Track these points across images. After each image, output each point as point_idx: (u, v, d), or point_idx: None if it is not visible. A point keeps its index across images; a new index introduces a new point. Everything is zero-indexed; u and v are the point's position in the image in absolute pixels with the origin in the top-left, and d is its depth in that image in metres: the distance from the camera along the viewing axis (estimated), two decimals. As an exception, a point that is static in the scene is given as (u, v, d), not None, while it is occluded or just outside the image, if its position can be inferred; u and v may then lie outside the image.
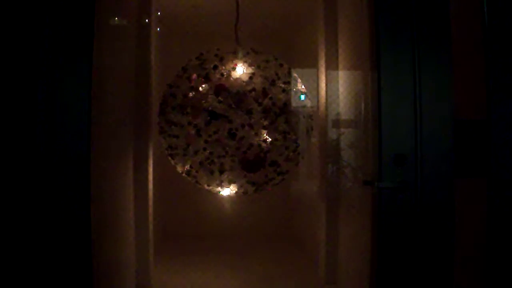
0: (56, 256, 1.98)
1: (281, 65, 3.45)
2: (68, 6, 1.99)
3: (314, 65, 4.64)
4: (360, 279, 3.13)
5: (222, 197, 3.64)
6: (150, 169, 4.17)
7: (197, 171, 3.30)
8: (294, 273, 4.73)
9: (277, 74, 3.37)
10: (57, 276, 1.98)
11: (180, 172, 3.41)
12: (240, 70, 3.31)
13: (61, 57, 1.97)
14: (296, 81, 3.50)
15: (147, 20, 4.04)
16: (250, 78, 3.29)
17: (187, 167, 3.33)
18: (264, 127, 3.24)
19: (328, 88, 4.24)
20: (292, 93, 3.38)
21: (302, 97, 4.36)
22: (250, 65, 3.35)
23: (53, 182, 1.96)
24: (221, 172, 3.25)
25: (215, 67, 3.29)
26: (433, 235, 2.08)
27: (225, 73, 3.28)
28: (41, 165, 1.94)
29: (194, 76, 3.24)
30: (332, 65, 4.25)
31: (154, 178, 4.29)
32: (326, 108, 4.25)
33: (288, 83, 3.39)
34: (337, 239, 4.15)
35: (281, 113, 3.28)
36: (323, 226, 4.30)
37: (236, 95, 3.12)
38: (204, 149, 3.22)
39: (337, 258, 4.15)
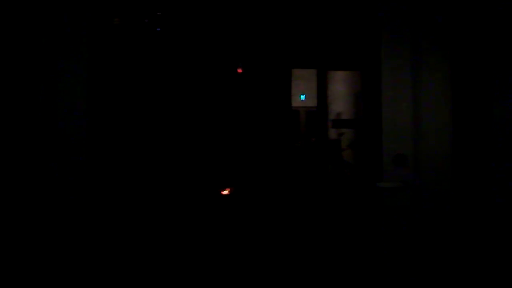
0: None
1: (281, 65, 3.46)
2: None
3: (315, 65, 4.64)
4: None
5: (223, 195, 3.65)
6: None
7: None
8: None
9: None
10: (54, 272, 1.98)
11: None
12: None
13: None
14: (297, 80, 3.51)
15: (146, 20, 4.04)
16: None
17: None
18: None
19: (328, 88, 4.24)
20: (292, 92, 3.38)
21: (303, 97, 4.37)
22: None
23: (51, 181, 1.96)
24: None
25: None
26: (434, 235, 2.08)
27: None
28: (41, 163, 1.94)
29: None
30: (332, 65, 4.25)
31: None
32: (326, 108, 4.26)
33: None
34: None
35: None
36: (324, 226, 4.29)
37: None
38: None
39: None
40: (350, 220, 3.85)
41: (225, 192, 3.37)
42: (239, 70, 4.52)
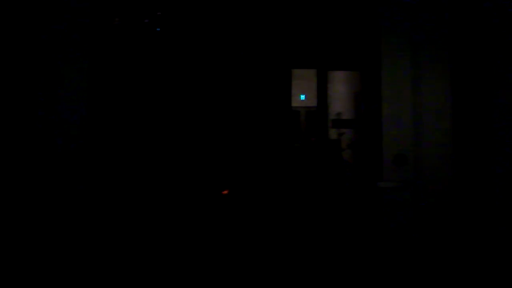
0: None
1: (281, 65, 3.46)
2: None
3: (315, 65, 4.64)
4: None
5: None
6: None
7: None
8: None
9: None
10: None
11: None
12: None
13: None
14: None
15: (146, 20, 4.05)
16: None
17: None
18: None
19: (328, 88, 4.24)
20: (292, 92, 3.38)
21: (303, 97, 4.37)
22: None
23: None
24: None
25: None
26: (434, 234, 2.08)
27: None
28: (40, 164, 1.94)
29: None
30: (332, 65, 4.26)
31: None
32: (326, 108, 4.26)
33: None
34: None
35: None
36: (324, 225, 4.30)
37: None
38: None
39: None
40: (350, 220, 3.85)
41: (225, 192, 3.38)
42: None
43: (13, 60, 1.97)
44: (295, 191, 5.36)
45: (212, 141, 4.43)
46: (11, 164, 1.97)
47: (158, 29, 4.44)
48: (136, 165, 3.99)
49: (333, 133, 4.21)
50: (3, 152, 1.95)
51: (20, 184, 1.97)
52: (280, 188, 4.48)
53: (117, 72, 3.91)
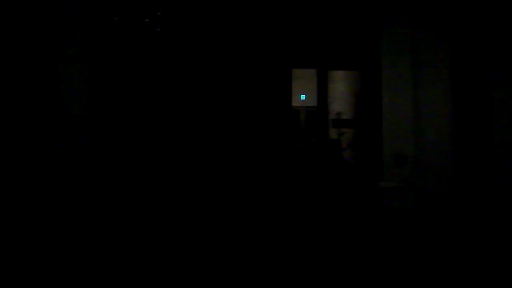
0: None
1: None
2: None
3: (315, 65, 4.64)
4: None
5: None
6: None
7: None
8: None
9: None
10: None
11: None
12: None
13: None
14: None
15: (147, 20, 4.05)
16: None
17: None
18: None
19: (328, 88, 4.24)
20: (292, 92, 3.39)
21: (303, 97, 4.37)
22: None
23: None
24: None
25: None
26: (434, 234, 2.08)
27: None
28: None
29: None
30: (332, 65, 4.26)
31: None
32: (326, 108, 4.26)
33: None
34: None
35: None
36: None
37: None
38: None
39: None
40: (351, 219, 3.85)
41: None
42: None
43: (15, 59, 1.97)
44: (296, 191, 5.35)
45: (211, 140, 4.43)
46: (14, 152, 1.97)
47: (158, 29, 4.44)
48: (134, 164, 3.99)
49: (333, 133, 4.21)
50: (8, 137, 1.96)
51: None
52: (281, 188, 4.48)
53: (117, 71, 3.91)
